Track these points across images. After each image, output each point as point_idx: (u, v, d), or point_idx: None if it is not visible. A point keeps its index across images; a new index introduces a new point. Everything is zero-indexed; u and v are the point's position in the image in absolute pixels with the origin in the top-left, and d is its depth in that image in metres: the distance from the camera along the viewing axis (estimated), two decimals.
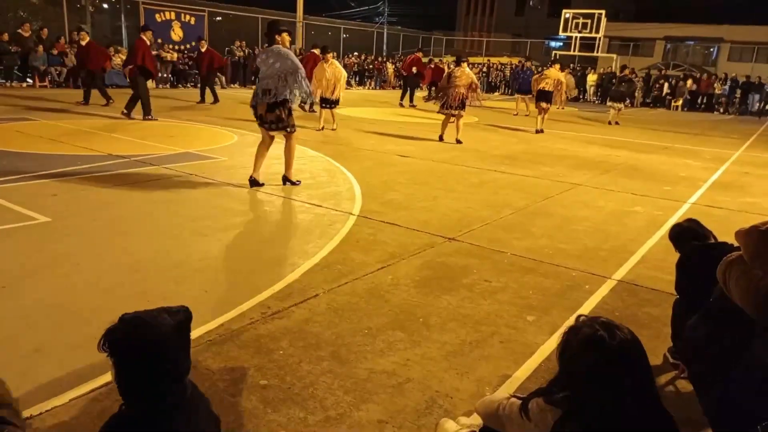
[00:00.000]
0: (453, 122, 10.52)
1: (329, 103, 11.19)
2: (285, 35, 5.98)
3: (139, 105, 11.10)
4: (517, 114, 17.23)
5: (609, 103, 16.80)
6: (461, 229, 5.10)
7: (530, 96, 15.38)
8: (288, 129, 6.10)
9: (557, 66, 13.56)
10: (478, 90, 10.77)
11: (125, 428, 1.50)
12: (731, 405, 2.06)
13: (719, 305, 2.23)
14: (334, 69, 11.15)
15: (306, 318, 3.22)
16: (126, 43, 21.56)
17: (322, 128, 11.08)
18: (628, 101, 18.32)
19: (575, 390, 1.55)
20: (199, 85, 15.91)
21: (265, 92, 5.88)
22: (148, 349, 1.46)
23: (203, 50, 15.08)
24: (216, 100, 14.77)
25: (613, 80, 17.06)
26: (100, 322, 3.04)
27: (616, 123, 16.08)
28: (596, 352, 1.49)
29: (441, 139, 10.61)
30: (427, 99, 11.09)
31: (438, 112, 10.75)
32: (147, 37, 11.41)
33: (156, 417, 1.48)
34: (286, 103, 5.92)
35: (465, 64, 10.63)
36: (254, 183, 6.18)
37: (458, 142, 10.36)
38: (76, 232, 4.44)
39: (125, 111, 11.10)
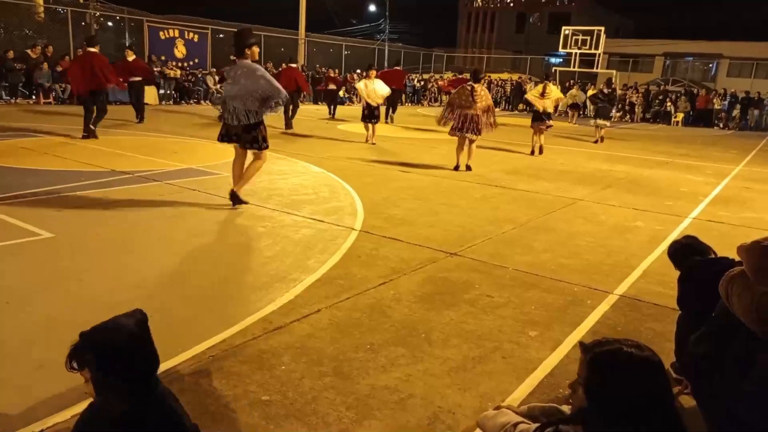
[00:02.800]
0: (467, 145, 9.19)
1: (370, 117, 12.18)
2: (255, 48, 5.78)
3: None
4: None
5: (598, 121, 15.15)
6: (463, 244, 5.10)
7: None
8: (263, 146, 5.86)
9: (554, 83, 12.66)
10: (494, 113, 9.43)
11: (104, 418, 1.64)
12: (736, 421, 2.05)
13: (722, 320, 2.23)
14: (374, 85, 12.29)
15: (308, 333, 3.22)
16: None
17: (367, 140, 12.19)
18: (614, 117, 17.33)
19: (610, 416, 1.48)
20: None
21: (240, 112, 5.62)
22: (122, 346, 1.63)
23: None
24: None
25: (599, 96, 15.44)
26: None
27: (601, 139, 15.03)
28: (644, 372, 1.45)
29: (457, 168, 9.11)
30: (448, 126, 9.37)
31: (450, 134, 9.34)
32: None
33: (132, 409, 1.63)
34: (262, 122, 5.79)
35: (483, 82, 9.78)
36: (235, 198, 5.86)
37: (467, 168, 9.13)
38: (80, 248, 4.46)
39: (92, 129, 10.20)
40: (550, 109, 11.93)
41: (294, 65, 15.45)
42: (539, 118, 11.83)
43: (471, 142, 9.18)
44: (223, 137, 5.93)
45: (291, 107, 14.23)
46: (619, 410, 1.45)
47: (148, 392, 1.67)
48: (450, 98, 9.77)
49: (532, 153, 11.87)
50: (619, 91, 20.63)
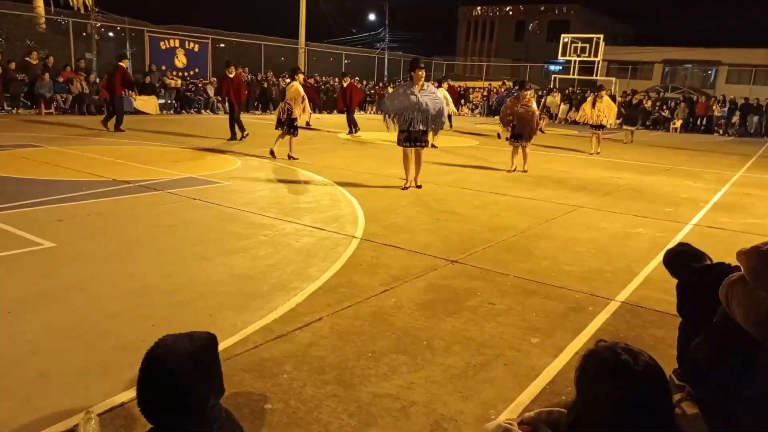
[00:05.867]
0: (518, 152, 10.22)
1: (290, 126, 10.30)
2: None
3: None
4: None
5: (625, 127, 17.90)
6: (464, 251, 5.11)
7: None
8: (427, 145, 8.00)
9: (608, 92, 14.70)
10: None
11: None
12: (738, 426, 2.05)
13: (722, 326, 2.23)
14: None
15: (310, 341, 3.22)
16: (130, 70, 21.83)
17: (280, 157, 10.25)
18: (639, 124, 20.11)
19: (593, 417, 1.49)
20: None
21: (427, 120, 7.58)
22: (160, 379, 1.47)
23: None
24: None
25: (624, 104, 18.45)
26: (106, 346, 3.07)
27: (630, 142, 17.43)
28: (621, 378, 1.43)
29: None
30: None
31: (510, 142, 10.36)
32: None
33: None
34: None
35: (530, 91, 10.45)
36: (414, 186, 7.96)
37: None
38: (81, 257, 4.47)
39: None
40: (603, 121, 13.72)
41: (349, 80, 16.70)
42: (596, 125, 13.89)
43: (524, 147, 10.23)
44: (406, 142, 7.74)
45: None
46: (595, 409, 1.47)
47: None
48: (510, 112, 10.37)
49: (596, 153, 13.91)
50: (619, 99, 21.16)
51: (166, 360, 1.47)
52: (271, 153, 10.23)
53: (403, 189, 7.82)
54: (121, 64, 13.86)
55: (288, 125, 10.21)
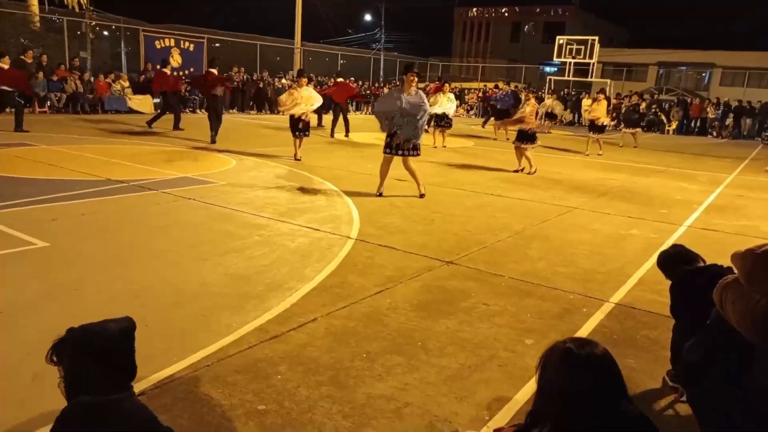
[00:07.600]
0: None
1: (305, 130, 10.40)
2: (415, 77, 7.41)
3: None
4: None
5: (625, 129, 17.90)
6: (459, 252, 5.11)
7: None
8: (417, 153, 7.47)
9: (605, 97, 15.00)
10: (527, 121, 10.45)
11: (83, 412, 1.69)
12: (732, 428, 2.06)
13: (716, 328, 2.24)
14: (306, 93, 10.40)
15: (304, 342, 3.21)
16: (125, 69, 21.77)
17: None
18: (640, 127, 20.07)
19: (549, 407, 1.58)
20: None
21: (417, 127, 7.22)
22: (97, 351, 1.71)
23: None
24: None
25: (629, 107, 18.68)
26: None
27: (635, 147, 17.04)
28: (566, 362, 1.61)
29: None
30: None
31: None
32: None
33: (105, 405, 1.68)
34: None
35: (531, 95, 11.12)
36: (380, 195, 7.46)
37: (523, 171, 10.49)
38: (76, 258, 4.45)
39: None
40: (602, 120, 14.39)
41: (341, 79, 16.46)
42: (594, 129, 14.51)
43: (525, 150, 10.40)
44: (391, 149, 7.35)
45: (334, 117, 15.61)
46: (550, 399, 1.55)
47: (119, 399, 1.71)
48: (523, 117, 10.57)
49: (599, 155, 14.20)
50: (614, 101, 21.26)
51: (102, 335, 1.75)
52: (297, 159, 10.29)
53: (377, 195, 7.38)
54: (212, 70, 13.69)
55: (305, 130, 10.37)
